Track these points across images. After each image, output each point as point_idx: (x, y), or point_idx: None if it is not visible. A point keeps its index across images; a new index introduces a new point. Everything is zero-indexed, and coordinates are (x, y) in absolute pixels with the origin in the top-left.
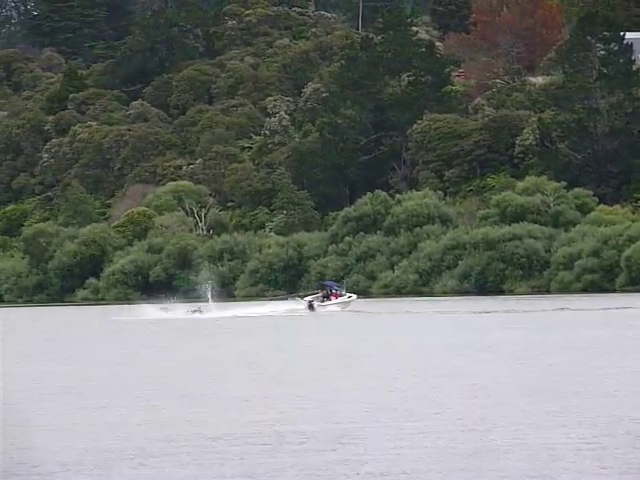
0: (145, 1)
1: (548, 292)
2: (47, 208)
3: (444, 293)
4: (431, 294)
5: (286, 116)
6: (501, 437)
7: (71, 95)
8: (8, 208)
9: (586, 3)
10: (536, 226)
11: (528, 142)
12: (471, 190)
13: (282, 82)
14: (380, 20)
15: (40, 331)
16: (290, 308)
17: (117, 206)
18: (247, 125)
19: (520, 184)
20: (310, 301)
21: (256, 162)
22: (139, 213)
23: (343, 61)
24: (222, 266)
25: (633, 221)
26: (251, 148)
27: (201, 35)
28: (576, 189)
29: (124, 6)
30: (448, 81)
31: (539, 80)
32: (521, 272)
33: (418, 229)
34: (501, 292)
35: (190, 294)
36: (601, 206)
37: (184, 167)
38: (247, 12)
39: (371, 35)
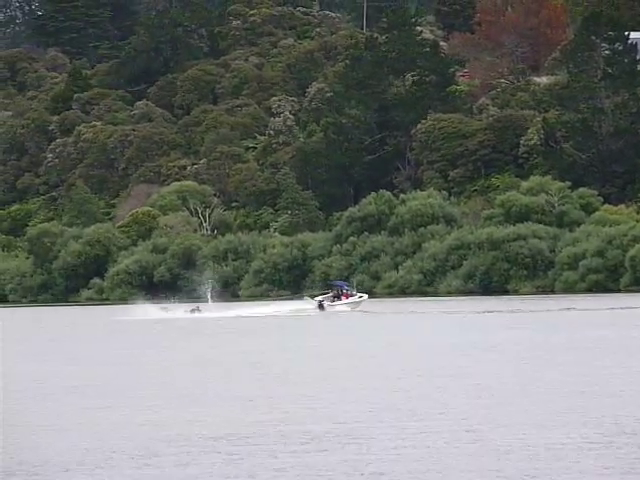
0: (150, 1)
1: (552, 292)
2: (51, 208)
3: (448, 293)
4: (435, 294)
5: (290, 116)
6: (502, 437)
7: (75, 95)
8: (13, 208)
9: (591, 3)
10: (541, 226)
11: (533, 142)
12: (475, 190)
13: (286, 82)
14: (384, 20)
15: (44, 331)
16: (295, 308)
17: (121, 206)
18: (251, 125)
19: (525, 184)
20: (320, 301)
21: (260, 162)
22: (143, 213)
23: (347, 61)
24: (226, 266)
25: (638, 221)
26: (255, 148)
27: (206, 35)
28: (581, 189)
29: (129, 6)
30: (452, 81)
31: (544, 80)
32: (526, 272)
33: (422, 229)
34: (506, 292)
35: (192, 294)
36: (606, 206)
37: (188, 167)
38: (252, 12)
39: (375, 35)
